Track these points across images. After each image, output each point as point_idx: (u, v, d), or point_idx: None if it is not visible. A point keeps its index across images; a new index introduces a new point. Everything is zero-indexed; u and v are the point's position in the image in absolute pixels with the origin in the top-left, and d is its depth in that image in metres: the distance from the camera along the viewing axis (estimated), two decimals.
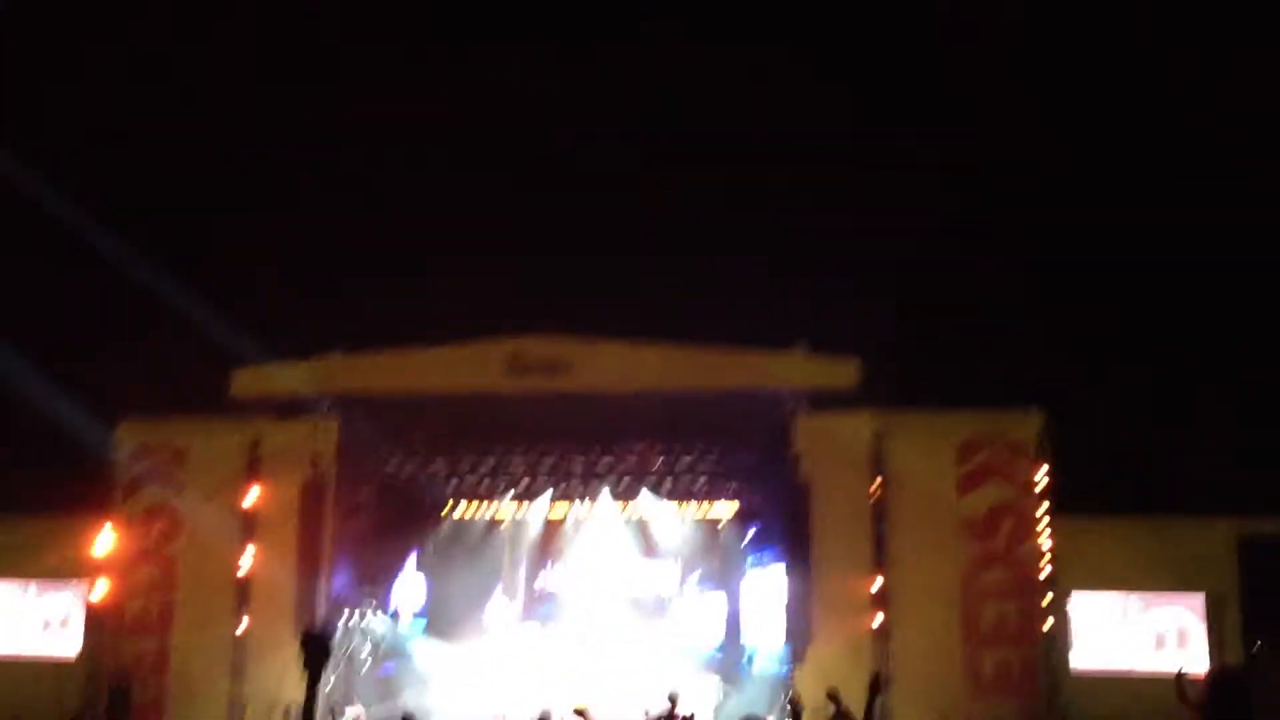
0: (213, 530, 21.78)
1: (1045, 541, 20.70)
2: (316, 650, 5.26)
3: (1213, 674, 5.31)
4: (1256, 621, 20.21)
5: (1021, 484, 21.11)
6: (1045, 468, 20.96)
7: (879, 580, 20.72)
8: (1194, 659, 20.86)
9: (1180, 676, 5.30)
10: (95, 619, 22.15)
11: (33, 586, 23.54)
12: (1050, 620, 20.37)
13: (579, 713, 9.28)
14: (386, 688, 24.32)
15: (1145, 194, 25.63)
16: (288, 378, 22.31)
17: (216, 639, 21.44)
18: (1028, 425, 21.32)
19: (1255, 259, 24.01)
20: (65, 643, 22.88)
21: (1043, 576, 20.46)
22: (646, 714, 9.70)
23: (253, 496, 22.04)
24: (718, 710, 23.16)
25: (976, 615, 20.59)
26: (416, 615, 26.92)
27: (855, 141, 27.48)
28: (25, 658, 23.02)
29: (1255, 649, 19.43)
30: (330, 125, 27.31)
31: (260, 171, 27.10)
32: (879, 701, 10.35)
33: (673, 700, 9.79)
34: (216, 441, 22.65)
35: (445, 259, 26.54)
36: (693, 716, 9.93)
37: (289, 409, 22.59)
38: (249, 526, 21.99)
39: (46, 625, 23.42)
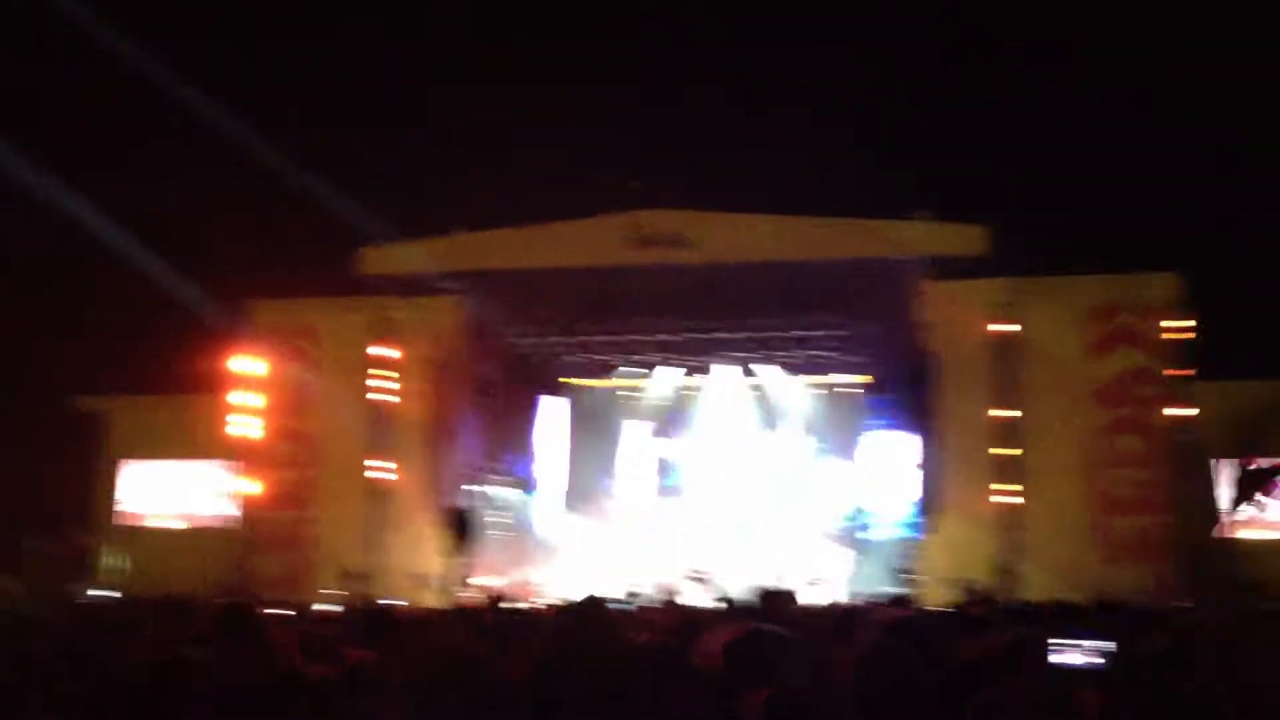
0: (346, 406, 22.36)
1: (1180, 406, 20.19)
2: (465, 524, 5.43)
3: None
4: None
5: (1155, 348, 20.57)
6: (1183, 330, 20.34)
7: (1009, 451, 20.49)
8: None
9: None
10: (241, 494, 23.03)
11: (181, 462, 24.61)
12: (1185, 486, 19.95)
13: (697, 579, 9.41)
14: (516, 557, 24.95)
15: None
16: (414, 256, 22.58)
17: (351, 512, 22.15)
18: (1162, 288, 20.71)
19: None
20: (210, 517, 23.93)
21: (1177, 441, 20.00)
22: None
23: (385, 372, 22.57)
24: (847, 579, 23.36)
25: (1107, 482, 20.28)
26: (545, 487, 27.45)
27: (981, 4, 26.48)
28: (172, 529, 24.23)
29: None
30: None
31: (381, 55, 27.16)
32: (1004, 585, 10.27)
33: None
34: (347, 319, 23.14)
35: (563, 134, 26.43)
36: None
37: (416, 287, 22.95)
38: (382, 402, 22.56)
39: (191, 499, 24.53)
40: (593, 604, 4.80)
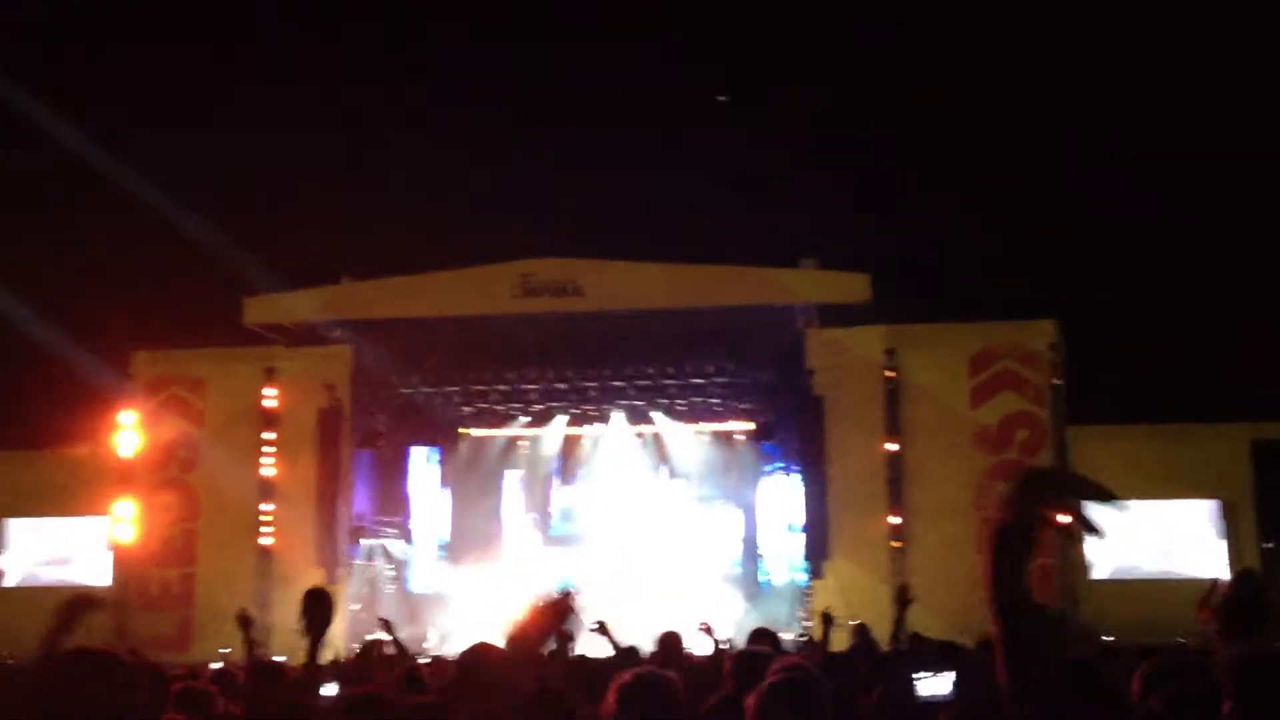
0: (232, 459, 21.95)
1: (1058, 451, 20.78)
2: (321, 609, 5.32)
3: (1233, 580, 5.32)
4: (1271, 527, 20.31)
5: (1034, 394, 21.16)
6: (1057, 378, 20.99)
7: (894, 494, 20.87)
8: (1207, 565, 21.03)
9: (1214, 585, 5.33)
10: (120, 550, 22.38)
11: (54, 520, 23.84)
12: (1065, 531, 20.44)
13: (599, 628, 9.38)
14: (411, 611, 24.62)
15: (1153, 100, 25.34)
16: (299, 305, 22.36)
17: (239, 567, 21.70)
18: (1040, 335, 21.33)
19: (1264, 160, 23.76)
20: (91, 575, 23.17)
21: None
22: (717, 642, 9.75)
23: (270, 424, 22.21)
24: (738, 625, 23.43)
25: (990, 526, 20.66)
26: (437, 539, 27.17)
27: (861, 54, 27.16)
28: (51, 588, 23.34)
29: (1270, 550, 19.51)
30: (331, 60, 27.05)
31: (263, 100, 26.91)
32: (903, 616, 10.48)
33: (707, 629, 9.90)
34: (232, 370, 22.78)
35: (451, 184, 26.41)
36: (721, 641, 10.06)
37: (302, 336, 22.71)
38: (267, 454, 22.17)
39: (69, 558, 23.74)
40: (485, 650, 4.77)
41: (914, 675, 4.69)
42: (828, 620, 10.97)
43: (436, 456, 27.16)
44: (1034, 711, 2.15)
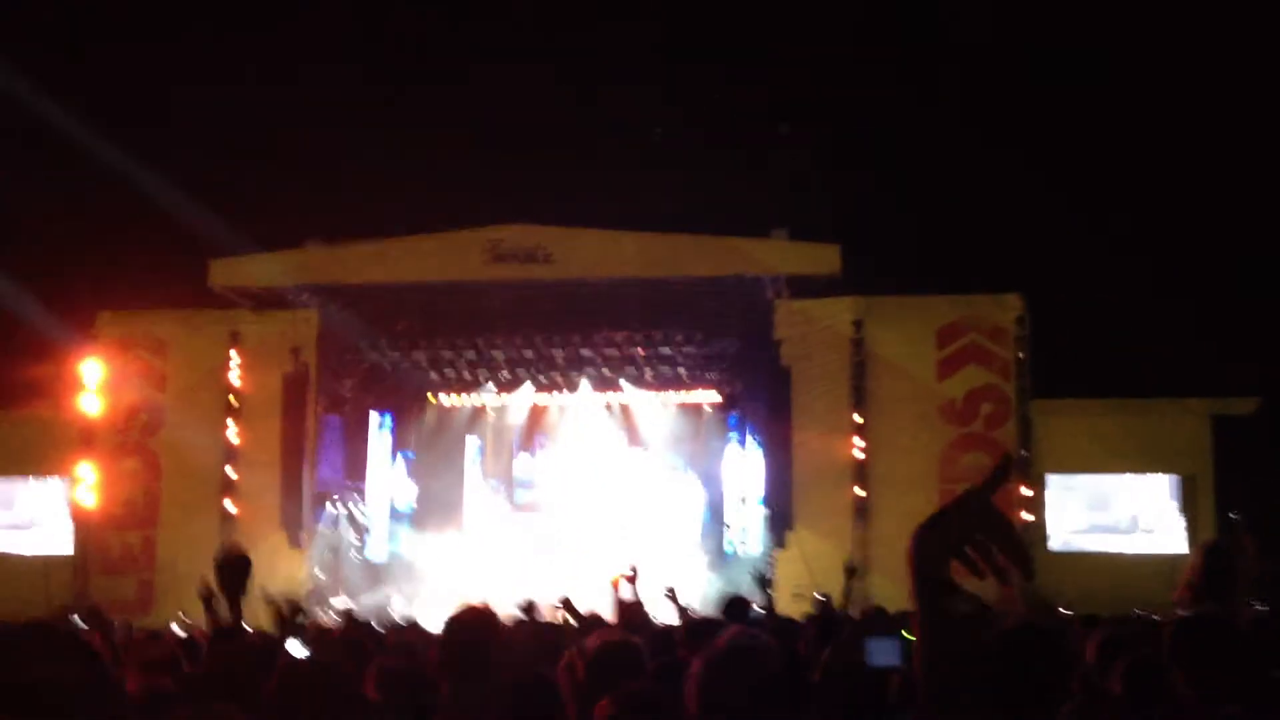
0: (195, 422, 21.83)
1: (1021, 424, 20.96)
2: (235, 573, 5.37)
3: (1201, 550, 5.38)
4: (1229, 502, 20.55)
5: (999, 368, 21.32)
6: (1022, 352, 21.15)
7: (858, 465, 21.00)
8: (1168, 540, 21.29)
9: (1190, 564, 5.39)
10: (81, 513, 22.24)
11: (14, 481, 23.65)
12: (1025, 503, 20.68)
13: (564, 603, 9.42)
14: (373, 577, 24.60)
15: (1121, 75, 25.43)
16: (265, 268, 22.21)
17: (202, 531, 21.57)
18: (1006, 309, 21.47)
19: (1231, 137, 23.92)
20: (50, 538, 23.02)
21: (1019, 459, 20.73)
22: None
23: (234, 388, 22.09)
24: (703, 595, 23.54)
25: (952, 498, 20.80)
26: (402, 505, 27.12)
27: (836, 22, 27.07)
28: (8, 554, 23.15)
29: (1235, 521, 19.71)
30: (302, 25, 26.73)
31: (233, 58, 26.59)
32: (851, 586, 10.62)
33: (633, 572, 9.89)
34: (197, 333, 22.63)
35: (421, 148, 26.19)
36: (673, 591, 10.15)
37: (268, 300, 22.55)
38: (231, 418, 22.06)
39: (30, 521, 23.57)
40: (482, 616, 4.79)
41: (863, 641, 4.82)
42: (850, 572, 11.05)
43: (389, 422, 26.94)
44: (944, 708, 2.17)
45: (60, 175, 23.99)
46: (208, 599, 7.31)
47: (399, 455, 27.18)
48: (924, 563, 2.22)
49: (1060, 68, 25.87)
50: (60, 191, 24.59)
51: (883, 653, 4.67)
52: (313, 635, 8.82)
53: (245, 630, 5.71)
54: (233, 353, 22.20)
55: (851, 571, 10.50)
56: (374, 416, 26.40)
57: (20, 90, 19.82)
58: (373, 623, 11.64)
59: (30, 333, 21.75)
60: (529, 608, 11.53)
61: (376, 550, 25.70)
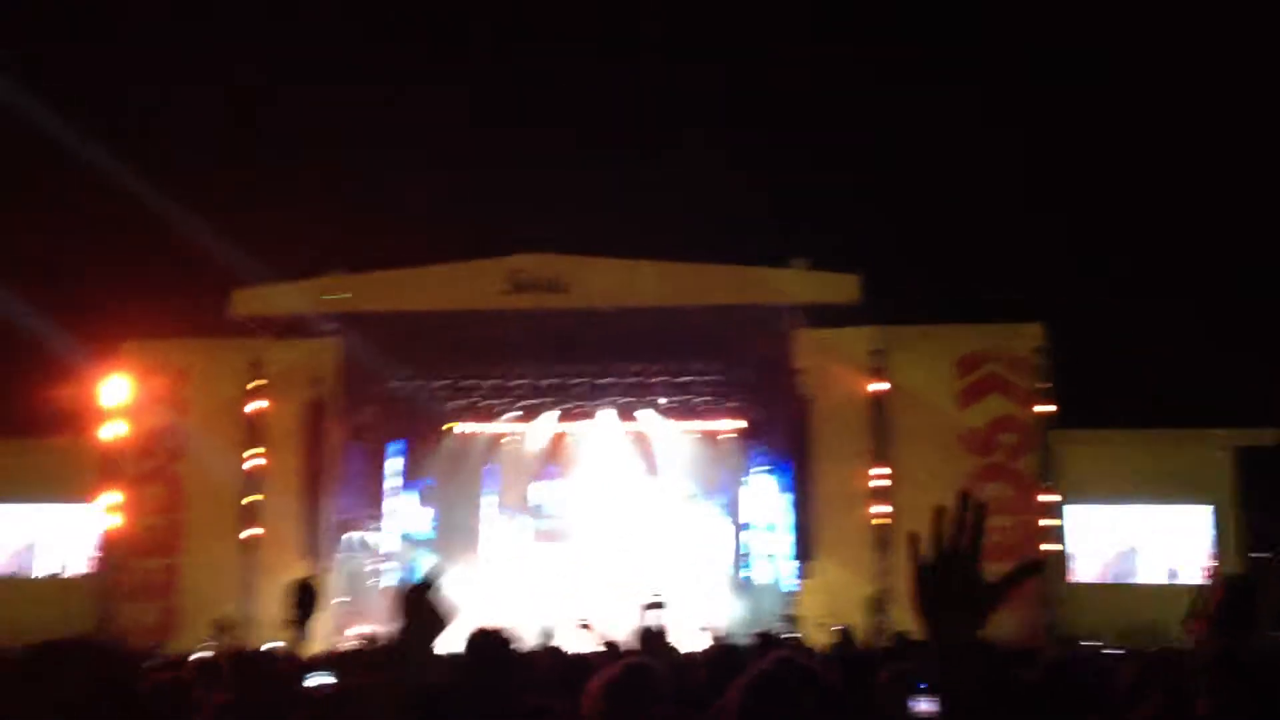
0: (218, 450, 21.91)
1: (1044, 455, 20.86)
2: (307, 599, 5.41)
3: (1224, 582, 5.34)
4: (1253, 533, 20.42)
5: (1021, 398, 21.23)
6: (1045, 381, 21.07)
7: (879, 495, 20.91)
8: (1191, 571, 21.13)
9: (1199, 593, 5.35)
10: (106, 539, 22.33)
11: (40, 506, 23.78)
12: (1049, 534, 20.57)
13: (583, 627, 9.42)
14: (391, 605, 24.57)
15: (1146, 108, 25.45)
16: (288, 297, 22.32)
17: (223, 559, 21.65)
18: (1027, 339, 21.39)
19: (1252, 174, 23.88)
20: (73, 563, 23.14)
21: (1041, 490, 20.63)
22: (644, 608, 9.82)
23: (257, 416, 22.18)
24: (728, 623, 23.48)
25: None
26: (421, 533, 27.13)
27: (855, 56, 27.17)
28: (33, 578, 23.30)
29: (1274, 556, 19.58)
30: (322, 54, 27.01)
31: (255, 94, 26.87)
32: (878, 621, 10.58)
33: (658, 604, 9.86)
34: (219, 361, 22.73)
35: (442, 179, 26.39)
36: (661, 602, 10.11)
37: (290, 329, 22.67)
38: (253, 446, 22.14)
39: (54, 546, 23.68)
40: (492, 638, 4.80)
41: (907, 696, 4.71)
42: (876, 606, 11.01)
43: (401, 449, 26.96)
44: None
45: (85, 207, 24.24)
46: (223, 629, 7.34)
47: (417, 483, 27.21)
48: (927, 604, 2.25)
49: (1087, 96, 25.90)
50: (86, 223, 24.84)
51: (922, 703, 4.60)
52: (335, 660, 8.83)
53: (273, 656, 5.74)
54: (255, 381, 22.30)
55: (878, 606, 10.47)
56: (394, 446, 26.47)
57: (50, 124, 20.05)
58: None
59: (55, 361, 21.92)
60: (585, 626, 11.50)
61: (395, 577, 25.70)
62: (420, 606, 2.95)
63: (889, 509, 20.88)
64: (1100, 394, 22.02)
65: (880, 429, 21.21)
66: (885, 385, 21.29)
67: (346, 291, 22.35)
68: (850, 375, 21.42)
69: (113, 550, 22.22)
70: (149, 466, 22.46)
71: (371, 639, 14.26)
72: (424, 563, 26.21)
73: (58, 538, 23.73)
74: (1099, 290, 23.26)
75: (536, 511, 27.96)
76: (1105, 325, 22.97)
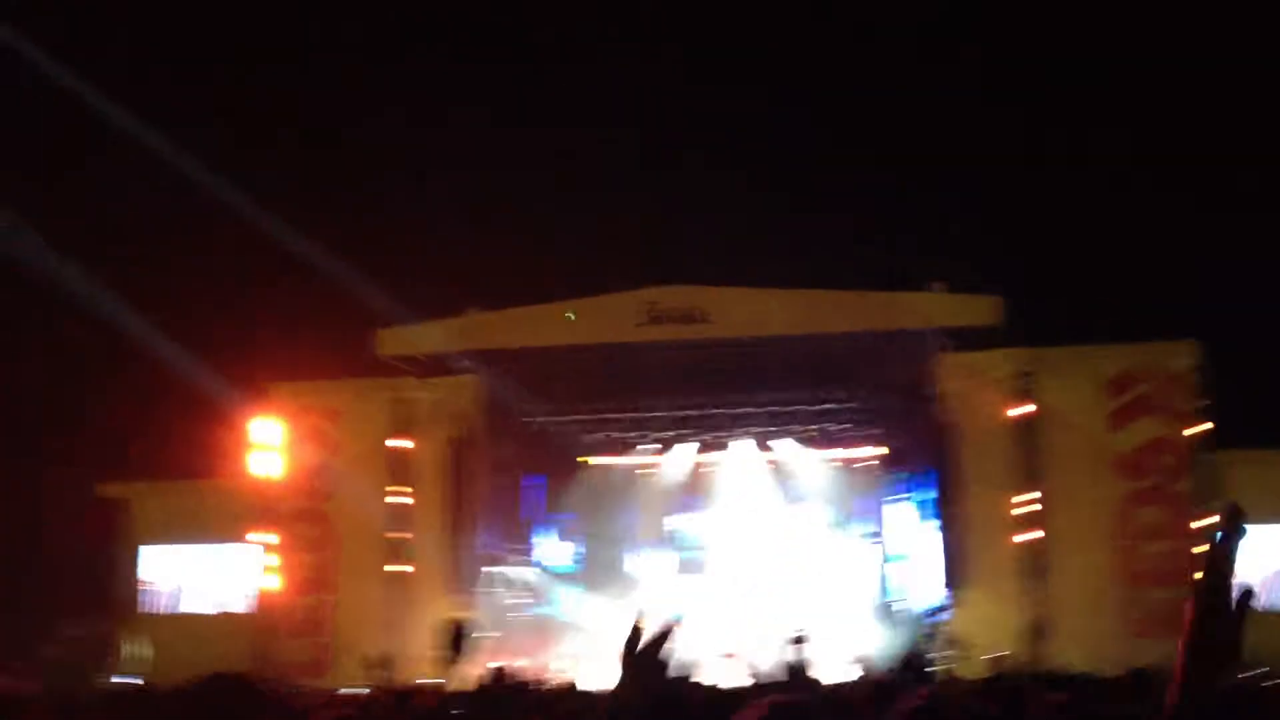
0: (366, 488, 22.34)
1: (1204, 475, 20.06)
2: (461, 639, 5.50)
3: None
4: None
5: (1176, 418, 20.48)
6: (1202, 400, 20.30)
7: (1031, 521, 20.35)
8: None
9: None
10: (262, 578, 22.90)
11: (198, 547, 24.53)
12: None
13: (728, 657, 9.33)
14: (538, 637, 24.71)
15: None
16: (429, 336, 22.72)
17: (372, 595, 22.04)
18: (1181, 357, 20.65)
19: None
20: (232, 600, 23.79)
21: (1200, 513, 19.84)
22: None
23: (402, 453, 22.60)
24: (875, 653, 23.08)
25: (1131, 555, 20.09)
26: (562, 566, 27.27)
27: (989, 77, 26.74)
28: (195, 614, 24.02)
29: None
30: (446, 87, 27.54)
31: (389, 134, 27.52)
32: (1039, 648, 10.23)
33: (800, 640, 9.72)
34: (366, 400, 23.22)
35: (576, 213, 26.66)
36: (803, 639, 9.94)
37: (430, 367, 23.06)
38: (399, 483, 22.54)
39: (207, 585, 24.40)
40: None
41: None
42: (1037, 632, 10.69)
43: (540, 483, 27.21)
44: None
45: (235, 257, 25.03)
46: (380, 664, 7.48)
47: (556, 516, 27.40)
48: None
49: (1234, 100, 25.06)
50: (233, 270, 25.67)
51: None
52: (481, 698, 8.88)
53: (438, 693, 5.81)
54: (400, 419, 22.73)
55: (1039, 631, 10.12)
56: (552, 478, 26.76)
57: (205, 175, 20.76)
58: (527, 682, 11.65)
59: (208, 405, 22.60)
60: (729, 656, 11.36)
61: (539, 610, 25.87)
62: (646, 665, 2.82)
63: (1040, 534, 20.32)
64: (1269, 412, 21.05)
65: (1028, 453, 20.67)
66: (1032, 408, 20.74)
67: (486, 328, 22.59)
68: (995, 399, 20.93)
69: (268, 589, 22.78)
70: (301, 506, 23.01)
71: (499, 671, 14.28)
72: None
73: (211, 577, 24.43)
74: (1261, 304, 22.34)
75: (678, 542, 27.88)
76: (1268, 340, 22.02)
